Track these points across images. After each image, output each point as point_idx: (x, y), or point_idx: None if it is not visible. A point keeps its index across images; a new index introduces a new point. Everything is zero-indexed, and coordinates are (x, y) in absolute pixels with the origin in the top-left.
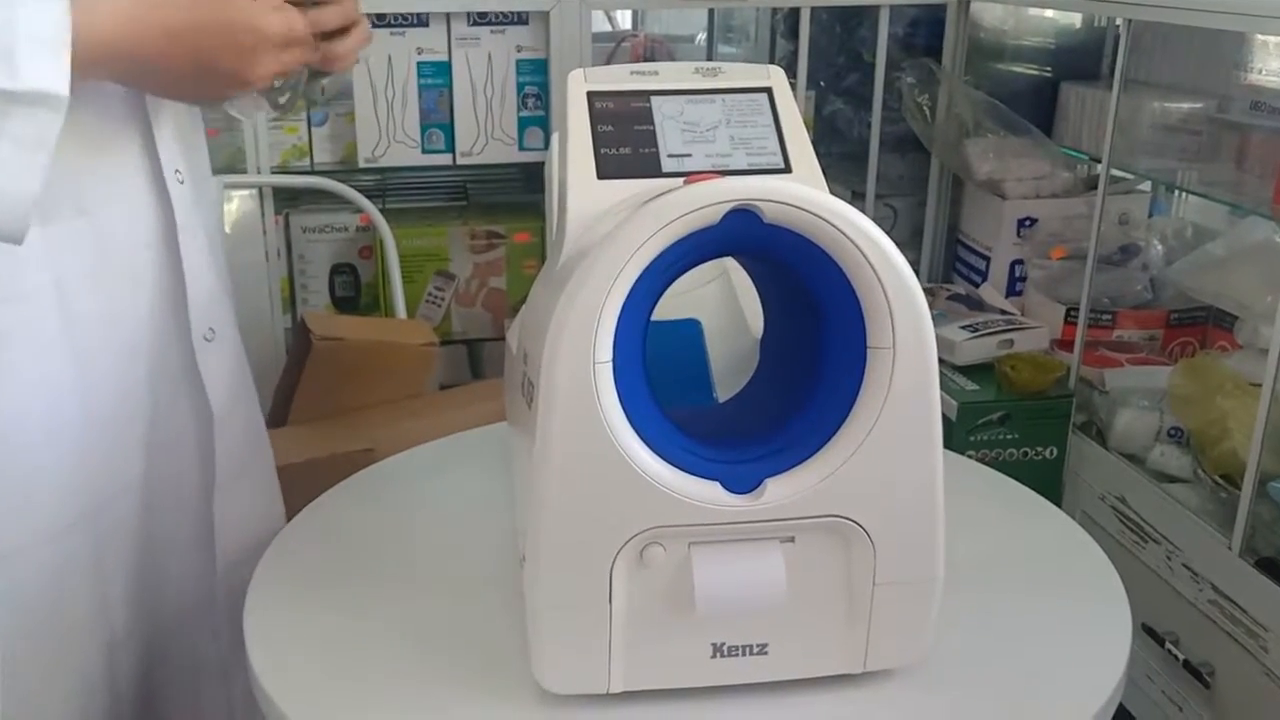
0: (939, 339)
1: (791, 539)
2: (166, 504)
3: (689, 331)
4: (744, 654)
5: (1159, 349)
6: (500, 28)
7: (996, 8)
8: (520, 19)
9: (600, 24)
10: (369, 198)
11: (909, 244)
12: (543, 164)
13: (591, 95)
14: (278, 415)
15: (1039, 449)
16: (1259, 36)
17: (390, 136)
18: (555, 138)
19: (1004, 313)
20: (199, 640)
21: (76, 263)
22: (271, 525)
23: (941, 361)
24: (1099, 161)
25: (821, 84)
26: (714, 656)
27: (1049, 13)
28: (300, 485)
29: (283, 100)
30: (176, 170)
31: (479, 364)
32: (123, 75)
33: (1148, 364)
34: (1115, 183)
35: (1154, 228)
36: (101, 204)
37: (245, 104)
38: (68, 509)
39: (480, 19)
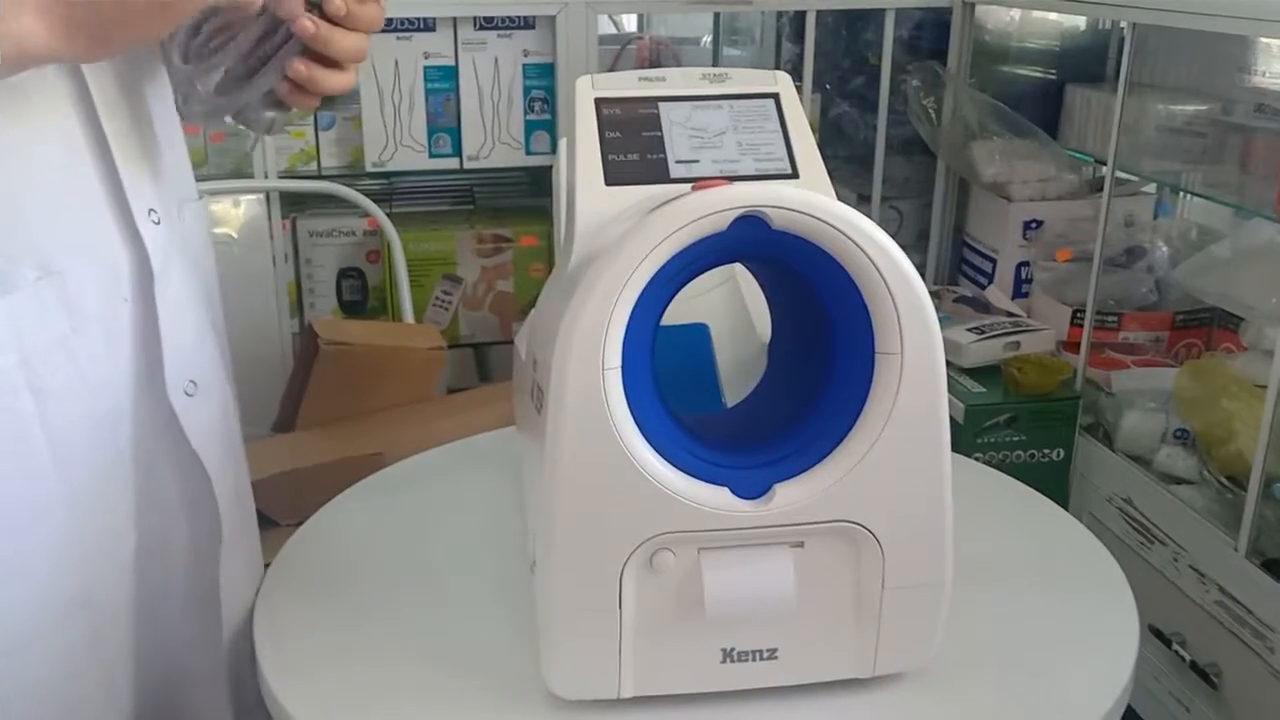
0: (945, 341)
1: (801, 544)
2: (161, 573)
3: (697, 336)
4: (754, 659)
5: (1164, 351)
6: (507, 32)
7: (1001, 11)
8: (527, 23)
9: (605, 27)
10: (376, 202)
11: (915, 246)
12: (549, 167)
13: (599, 101)
14: (286, 420)
15: (1046, 451)
16: (1263, 40)
17: (397, 141)
18: (563, 143)
19: (1010, 315)
20: (203, 706)
21: (45, 333)
22: (258, 583)
23: (948, 364)
24: (1104, 164)
25: (827, 87)
26: (724, 661)
27: (1053, 16)
28: (309, 489)
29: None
30: (150, 209)
31: (487, 367)
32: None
33: (1153, 365)
34: (1120, 185)
35: (1159, 229)
36: (69, 261)
37: (249, 114)
38: (61, 598)
39: (487, 23)
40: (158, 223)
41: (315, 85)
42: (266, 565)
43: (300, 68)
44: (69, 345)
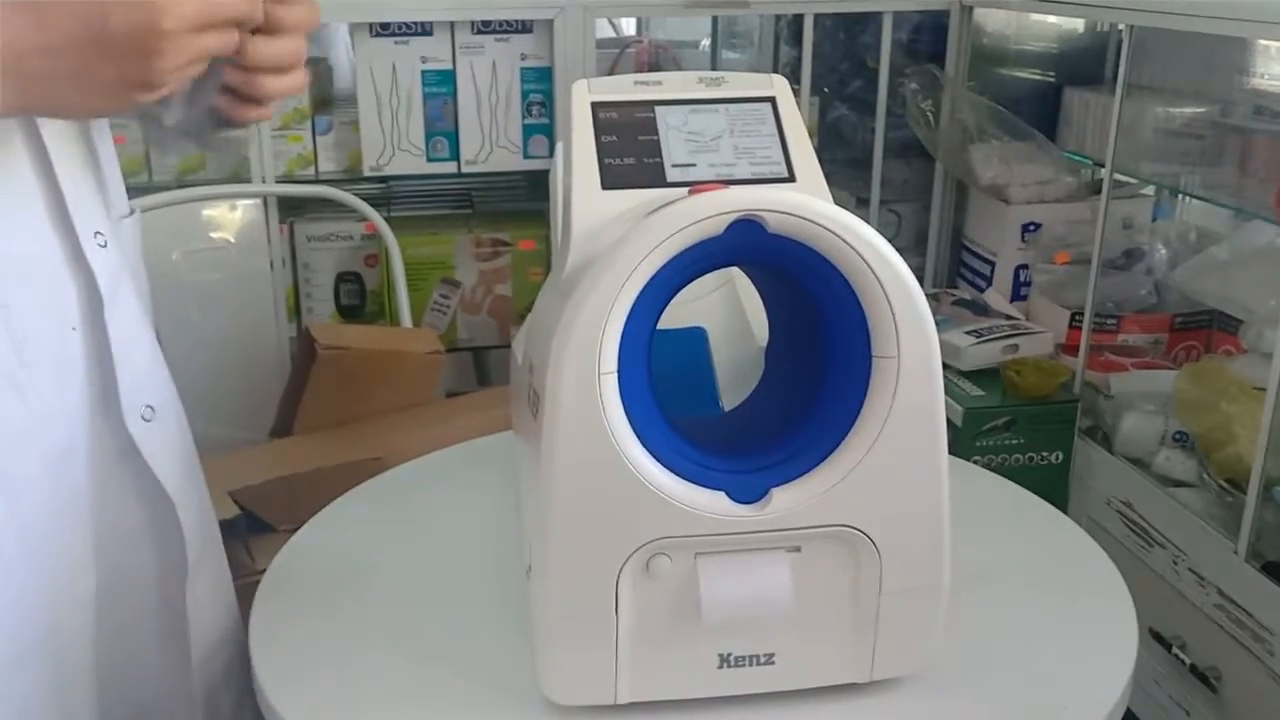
0: (944, 344)
1: (797, 548)
2: (125, 604)
3: (694, 340)
4: (751, 664)
5: (1163, 353)
6: (504, 36)
7: (999, 13)
8: (524, 27)
9: (604, 30)
10: (374, 206)
11: (913, 250)
12: (547, 171)
13: (595, 105)
14: (283, 425)
15: (1044, 454)
16: (1261, 41)
17: (395, 145)
18: (560, 147)
19: (1009, 318)
20: None
21: None
22: (230, 609)
23: (947, 367)
24: (1102, 166)
25: (825, 90)
26: (721, 667)
27: (1051, 18)
28: (307, 494)
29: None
30: (96, 232)
31: (485, 371)
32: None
33: (1152, 368)
34: (1119, 187)
35: (1158, 232)
36: (16, 292)
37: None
38: (20, 639)
39: (484, 27)
40: (104, 245)
41: (256, 91)
42: (262, 571)
43: (235, 77)
44: (17, 380)
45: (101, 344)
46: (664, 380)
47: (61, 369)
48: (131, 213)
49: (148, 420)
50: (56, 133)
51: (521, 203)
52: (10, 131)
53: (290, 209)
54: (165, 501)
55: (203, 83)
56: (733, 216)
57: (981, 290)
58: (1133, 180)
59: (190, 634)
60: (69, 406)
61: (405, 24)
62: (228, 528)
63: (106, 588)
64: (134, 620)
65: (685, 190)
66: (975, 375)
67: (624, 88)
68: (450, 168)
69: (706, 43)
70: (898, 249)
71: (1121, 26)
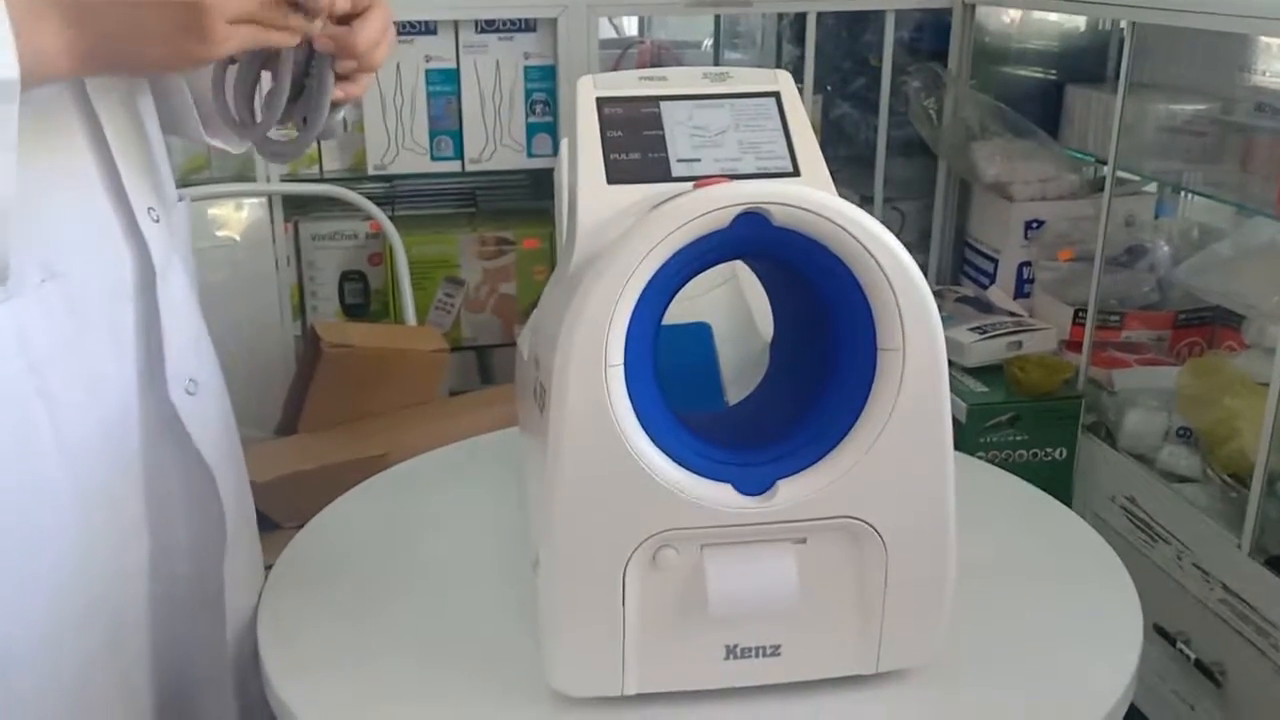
0: (948, 341)
1: (803, 540)
2: (169, 575)
3: (699, 335)
4: (757, 655)
5: (1167, 349)
6: (508, 35)
7: (1001, 11)
8: (528, 26)
9: (606, 31)
10: (378, 205)
11: (917, 247)
12: (551, 170)
13: (601, 101)
14: (288, 423)
15: (1049, 450)
16: (1263, 39)
17: (399, 144)
18: (564, 143)
19: (1012, 314)
20: (210, 706)
21: (51, 335)
22: (259, 582)
23: (951, 363)
24: (1105, 163)
25: (828, 88)
26: (727, 658)
27: (1053, 16)
28: (313, 491)
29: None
30: (150, 208)
31: (489, 369)
32: (72, 37)
33: (1156, 364)
34: (1121, 184)
35: (1160, 229)
36: (73, 261)
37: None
38: (79, 600)
39: (488, 26)
40: (157, 220)
41: (366, 67)
42: (269, 567)
43: (346, 65)
44: (76, 347)
45: (151, 316)
46: (669, 376)
47: (116, 338)
48: (180, 200)
49: (191, 394)
50: (111, 113)
51: (525, 201)
52: (66, 109)
53: (295, 208)
54: (206, 474)
55: (320, 85)
56: (738, 210)
57: (985, 287)
58: (1135, 177)
59: (225, 609)
60: (123, 375)
61: (409, 23)
62: None
63: (155, 555)
64: (175, 589)
65: (690, 184)
66: (979, 372)
67: (629, 83)
68: (454, 166)
69: (709, 43)
70: None
71: (1123, 24)
